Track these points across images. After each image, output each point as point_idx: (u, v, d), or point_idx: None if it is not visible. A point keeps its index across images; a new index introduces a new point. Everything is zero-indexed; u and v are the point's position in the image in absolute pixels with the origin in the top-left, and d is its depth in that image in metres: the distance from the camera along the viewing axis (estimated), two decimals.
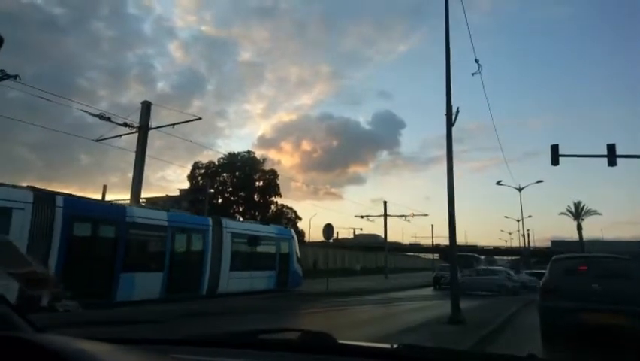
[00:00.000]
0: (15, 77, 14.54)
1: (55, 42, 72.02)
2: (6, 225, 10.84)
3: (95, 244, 13.56)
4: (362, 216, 40.44)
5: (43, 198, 12.04)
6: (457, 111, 11.45)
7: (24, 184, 11.75)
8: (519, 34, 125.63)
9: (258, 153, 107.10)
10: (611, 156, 18.14)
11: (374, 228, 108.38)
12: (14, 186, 11.99)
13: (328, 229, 21.34)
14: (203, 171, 48.11)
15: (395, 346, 1.58)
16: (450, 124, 11.44)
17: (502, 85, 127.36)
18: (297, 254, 21.77)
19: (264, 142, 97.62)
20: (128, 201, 17.44)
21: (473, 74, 12.17)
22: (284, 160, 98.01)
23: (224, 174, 49.18)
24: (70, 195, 13.33)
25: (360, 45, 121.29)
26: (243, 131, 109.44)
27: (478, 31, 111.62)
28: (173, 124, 17.88)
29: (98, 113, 15.88)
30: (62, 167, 68.90)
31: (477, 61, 12.19)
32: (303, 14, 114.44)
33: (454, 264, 11.43)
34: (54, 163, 67.25)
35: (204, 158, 50.95)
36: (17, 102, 39.36)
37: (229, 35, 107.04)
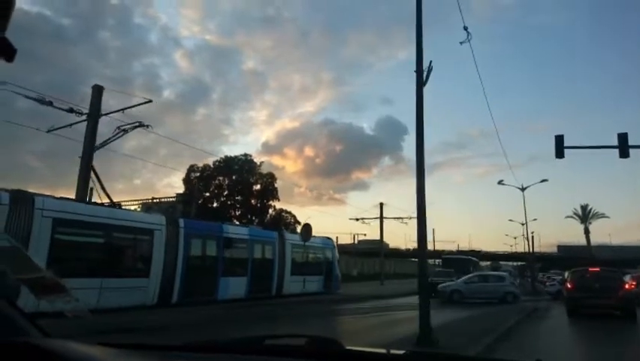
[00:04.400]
0: (147, 126, 16.85)
1: (63, 52, 72.31)
2: (150, 242, 14.34)
3: (205, 255, 16.79)
4: (357, 219, 39.04)
5: (172, 221, 15.57)
6: (430, 68, 9.52)
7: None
8: (520, 40, 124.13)
9: (262, 159, 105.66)
10: (623, 146, 16.60)
11: (378, 233, 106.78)
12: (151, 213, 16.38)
13: (306, 230, 20.30)
14: (198, 174, 47.01)
15: (402, 352, 1.62)
16: (420, 83, 9.58)
17: (504, 89, 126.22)
18: (337, 261, 24.54)
19: (268, 148, 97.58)
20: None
21: (462, 43, 10.68)
22: (287, 166, 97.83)
23: (220, 178, 48.02)
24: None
25: (361, 52, 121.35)
26: (247, 138, 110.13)
27: (478, 38, 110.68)
28: (123, 109, 16.67)
29: (34, 96, 14.49)
30: (68, 174, 68.75)
31: (466, 28, 10.69)
32: (305, 23, 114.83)
33: (424, 266, 9.38)
34: (60, 170, 67.28)
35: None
36: (26, 112, 39.55)
37: (233, 44, 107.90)
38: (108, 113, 16.32)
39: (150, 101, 17.18)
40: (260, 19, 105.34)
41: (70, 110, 15.30)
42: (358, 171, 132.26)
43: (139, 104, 17.03)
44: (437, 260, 62.37)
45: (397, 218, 37.13)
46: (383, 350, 1.65)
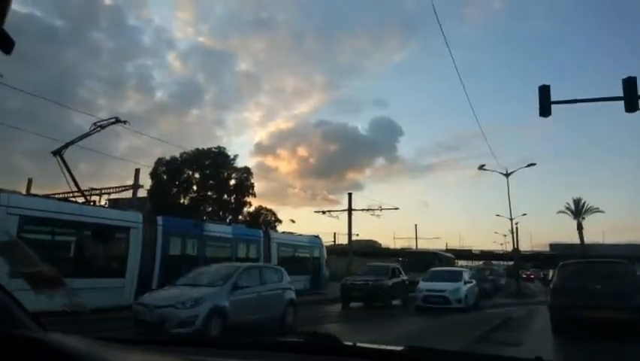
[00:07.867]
0: (124, 122, 16.80)
1: (55, 53, 71.03)
2: (126, 240, 14.09)
3: (185, 254, 16.65)
4: (323, 212, 36.21)
5: (149, 219, 15.43)
6: None
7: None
8: (511, 44, 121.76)
9: (256, 160, 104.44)
10: (630, 96, 12.27)
11: (372, 234, 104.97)
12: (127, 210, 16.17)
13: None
14: (165, 167, 44.49)
15: (400, 348, 1.55)
16: None
17: (499, 92, 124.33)
18: (325, 260, 24.36)
19: (262, 149, 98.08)
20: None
21: None
22: (281, 167, 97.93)
23: (189, 171, 45.46)
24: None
25: (355, 56, 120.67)
26: (241, 139, 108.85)
27: (473, 43, 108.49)
28: None
29: None
30: (60, 175, 67.17)
31: None
32: (299, 26, 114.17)
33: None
34: (51, 172, 65.61)
35: None
36: (17, 111, 39.53)
37: (227, 46, 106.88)
38: None
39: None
40: (253, 22, 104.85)
41: None
42: (352, 172, 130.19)
43: None
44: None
45: (367, 210, 34.37)
46: (383, 346, 1.67)
